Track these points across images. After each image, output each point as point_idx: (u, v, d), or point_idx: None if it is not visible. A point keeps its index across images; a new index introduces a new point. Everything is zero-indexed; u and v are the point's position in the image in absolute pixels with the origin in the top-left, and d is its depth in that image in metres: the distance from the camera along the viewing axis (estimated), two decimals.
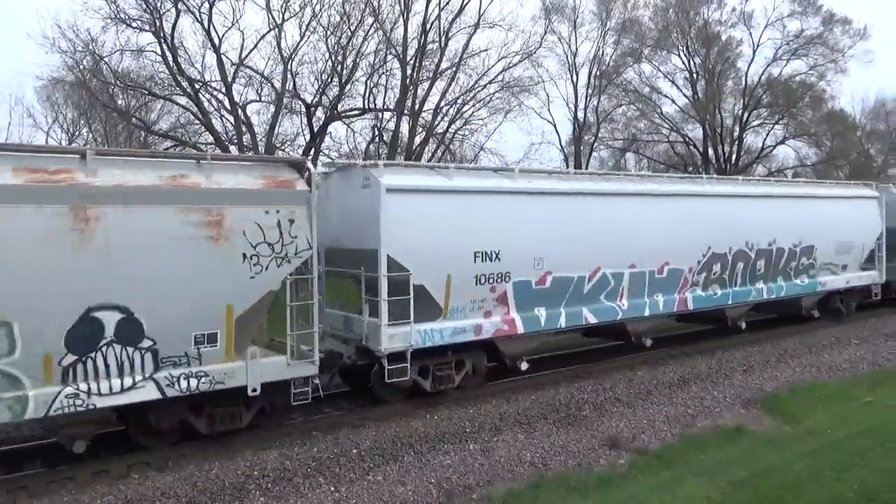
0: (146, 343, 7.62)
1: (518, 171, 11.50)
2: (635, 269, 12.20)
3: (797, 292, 15.79)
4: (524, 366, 11.28)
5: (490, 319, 10.54)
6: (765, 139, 40.39)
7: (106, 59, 21.99)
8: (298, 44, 24.10)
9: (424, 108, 27.03)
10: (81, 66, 22.04)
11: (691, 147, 40.55)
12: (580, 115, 36.81)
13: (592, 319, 11.75)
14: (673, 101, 39.47)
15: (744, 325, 14.86)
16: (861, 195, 17.78)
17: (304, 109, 25.01)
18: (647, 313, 12.58)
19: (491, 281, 10.38)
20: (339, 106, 25.42)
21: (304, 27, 23.92)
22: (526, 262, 10.72)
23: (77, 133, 32.58)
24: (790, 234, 15.19)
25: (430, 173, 10.71)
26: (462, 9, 26.58)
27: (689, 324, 15.82)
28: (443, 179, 10.40)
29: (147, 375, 7.65)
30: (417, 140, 26.94)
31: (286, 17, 23.52)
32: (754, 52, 37.74)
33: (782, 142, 40.35)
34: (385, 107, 26.50)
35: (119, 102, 24.89)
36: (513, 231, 10.56)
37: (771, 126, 39.46)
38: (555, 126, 37.54)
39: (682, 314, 13.77)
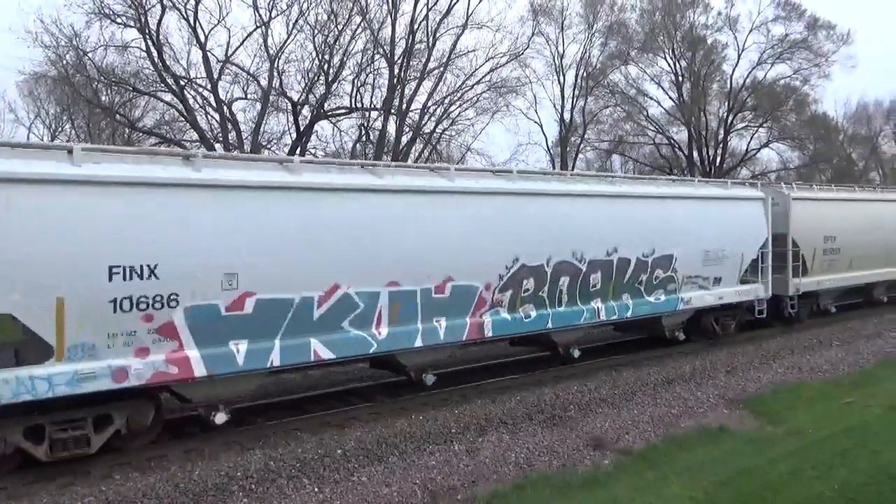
0: None
1: (202, 156, 8.52)
2: (399, 288, 9.46)
3: (651, 311, 12.85)
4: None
5: (145, 359, 7.62)
6: (749, 142, 40.92)
7: (90, 55, 21.82)
8: (285, 42, 24.06)
9: (412, 108, 27.07)
10: (65, 62, 21.84)
11: (676, 149, 40.89)
12: (567, 116, 37.03)
13: (327, 354, 8.95)
14: (659, 104, 39.85)
15: (577, 354, 12.26)
16: (741, 196, 15.12)
17: (290, 108, 24.93)
18: (419, 343, 9.74)
19: (143, 307, 7.48)
20: (326, 105, 25.38)
21: (291, 25, 23.88)
22: (208, 279, 7.87)
23: (60, 129, 32.26)
24: (639, 242, 12.33)
25: (43, 155, 7.54)
26: (450, 9, 26.69)
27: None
28: (65, 167, 7.34)
29: None
30: (404, 140, 26.93)
31: (273, 15, 23.47)
32: (739, 55, 38.20)
33: (766, 145, 40.86)
34: (372, 106, 26.49)
35: (103, 98, 24.69)
36: (182, 237, 7.72)
37: (755, 129, 39.95)
38: (541, 127, 37.77)
39: (479, 342, 11.24)
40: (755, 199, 15.25)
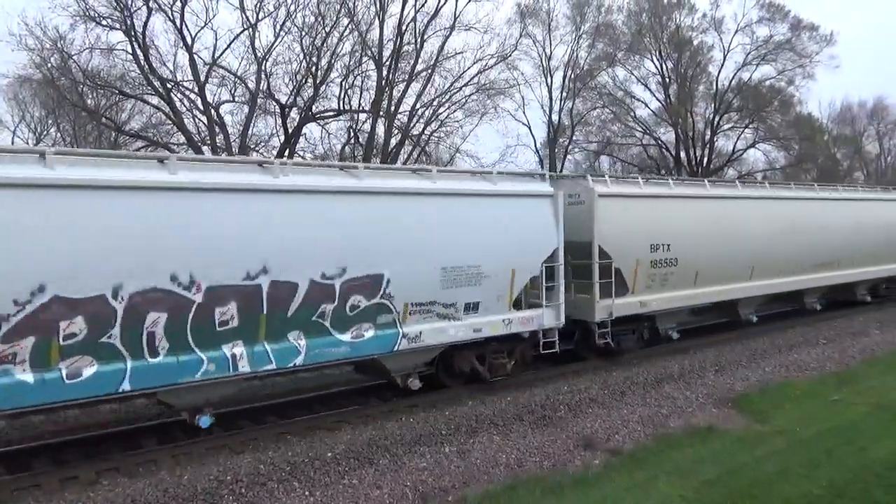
0: None
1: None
2: None
3: (350, 354, 9.26)
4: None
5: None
6: (735, 143, 41.25)
7: (75, 58, 21.65)
8: (273, 44, 24.00)
9: (400, 110, 27.05)
10: (49, 64, 21.64)
11: (664, 150, 41.14)
12: (555, 117, 37.18)
13: None
14: (646, 105, 40.09)
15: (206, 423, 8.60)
16: (513, 192, 10.97)
17: (278, 110, 24.87)
18: None
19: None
20: (314, 107, 25.33)
21: (278, 27, 23.82)
22: None
23: (45, 132, 31.97)
24: (314, 258, 8.71)
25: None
26: (438, 11, 26.72)
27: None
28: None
29: None
30: (393, 142, 26.91)
31: (260, 17, 23.41)
32: (725, 57, 38.51)
33: (752, 145, 41.21)
34: (360, 108, 26.45)
35: (89, 102, 24.50)
36: None
37: (741, 130, 40.29)
38: (530, 128, 37.91)
39: None
40: (537, 196, 11.21)
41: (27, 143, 31.10)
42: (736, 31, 37.92)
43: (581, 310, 12.25)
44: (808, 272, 16.72)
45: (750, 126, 39.89)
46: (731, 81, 38.57)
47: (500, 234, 10.56)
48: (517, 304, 11.15)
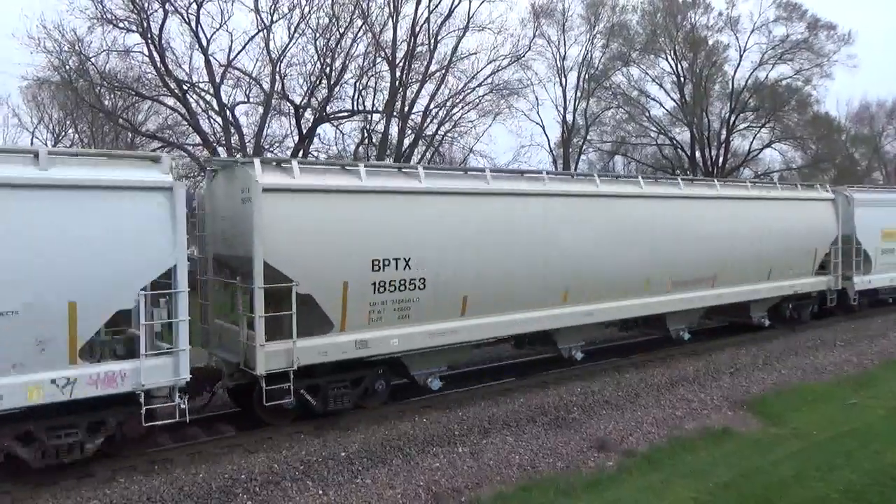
0: None
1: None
2: None
3: None
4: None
5: None
6: (751, 142, 40.83)
7: (92, 60, 21.82)
8: (287, 45, 24.06)
9: (414, 111, 27.06)
10: (67, 67, 21.85)
11: (679, 150, 40.85)
12: (569, 117, 37.02)
13: None
14: (661, 105, 39.80)
15: None
16: (82, 182, 7.45)
17: (292, 111, 24.95)
18: None
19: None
20: (328, 108, 25.39)
21: (292, 29, 23.88)
22: None
23: (63, 133, 32.35)
24: None
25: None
26: (451, 12, 26.67)
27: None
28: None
29: None
30: (407, 142, 26.95)
31: (275, 19, 23.46)
32: (741, 56, 38.14)
33: (768, 145, 40.77)
34: (374, 109, 26.49)
35: (106, 103, 24.71)
36: None
37: (757, 129, 39.88)
38: (543, 129, 37.78)
39: None
40: (128, 190, 7.65)
41: (46, 145, 31.50)
42: (752, 31, 37.58)
43: (242, 354, 8.87)
44: (667, 292, 13.03)
45: (766, 126, 39.49)
46: (747, 81, 38.23)
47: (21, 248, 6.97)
48: (95, 353, 7.96)
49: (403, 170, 10.56)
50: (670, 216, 13.14)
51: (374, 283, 9.30)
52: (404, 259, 9.54)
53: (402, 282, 9.56)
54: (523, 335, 11.57)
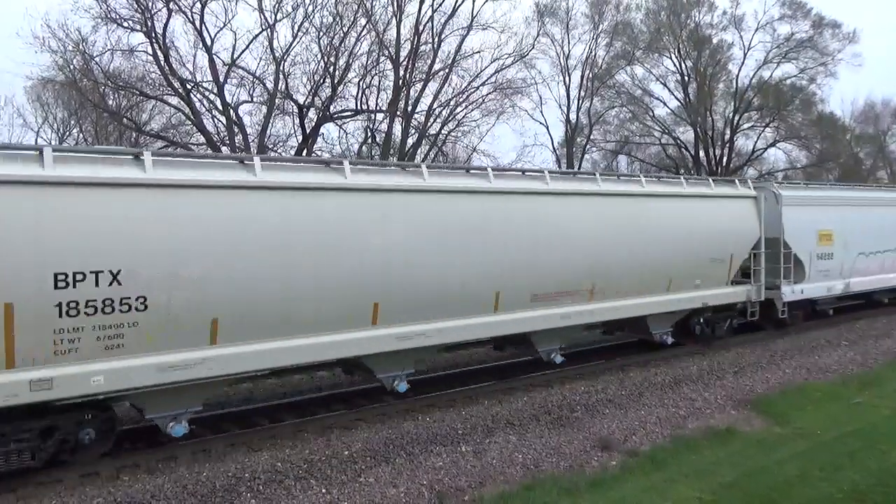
0: None
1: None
2: None
3: None
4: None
5: None
6: (756, 142, 40.77)
7: (96, 59, 21.92)
8: (291, 44, 24.13)
9: (417, 110, 27.09)
10: (72, 66, 21.94)
11: (683, 149, 40.80)
12: (572, 116, 37.03)
13: None
14: (665, 104, 39.78)
15: None
16: None
17: (296, 110, 25.01)
18: None
19: None
20: (332, 107, 25.44)
21: (296, 28, 23.95)
22: None
23: (67, 133, 32.43)
24: None
25: None
26: (455, 10, 26.70)
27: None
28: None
29: None
30: (410, 141, 26.96)
31: (278, 18, 23.53)
32: (745, 55, 38.09)
33: (773, 144, 40.71)
34: (378, 108, 26.52)
35: (110, 102, 24.81)
36: None
37: (762, 129, 39.83)
38: (547, 128, 37.84)
39: None
40: None
41: (50, 144, 31.59)
42: (756, 29, 37.54)
43: None
44: (527, 306, 10.85)
45: (770, 125, 39.43)
46: (751, 80, 38.19)
47: None
48: None
49: (119, 155, 7.92)
50: (530, 216, 10.76)
51: (61, 305, 6.96)
52: (110, 272, 7.17)
53: (108, 302, 7.21)
54: (320, 363, 9.67)
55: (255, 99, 24.93)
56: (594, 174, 12.54)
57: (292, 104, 25.05)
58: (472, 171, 10.98)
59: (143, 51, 22.30)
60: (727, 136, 39.55)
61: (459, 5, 26.70)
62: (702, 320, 14.29)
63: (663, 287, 12.86)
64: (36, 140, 32.53)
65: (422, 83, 26.91)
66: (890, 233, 18.21)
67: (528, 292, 10.80)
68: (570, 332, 11.98)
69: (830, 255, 16.28)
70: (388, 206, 9.35)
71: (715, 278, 13.85)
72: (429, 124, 27.50)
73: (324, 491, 7.72)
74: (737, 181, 15.12)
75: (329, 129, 27.55)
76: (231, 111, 23.41)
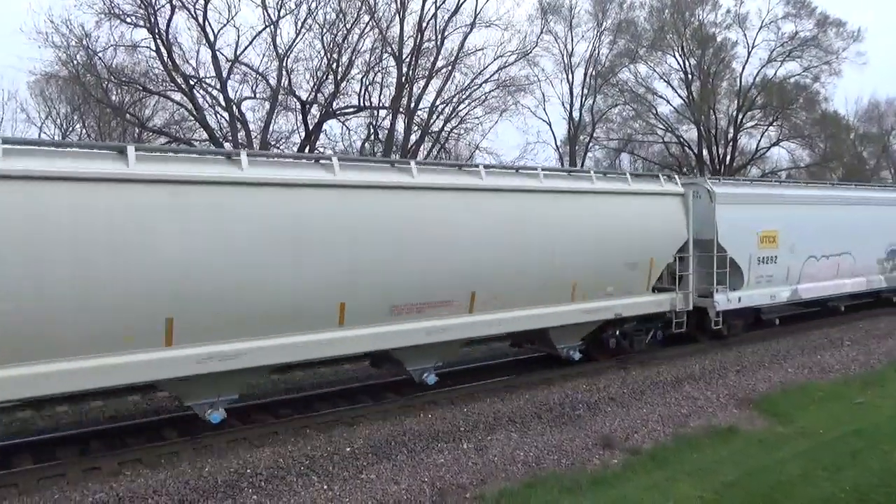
0: None
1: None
2: None
3: None
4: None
5: None
6: (759, 140, 40.73)
7: (100, 55, 21.94)
8: (294, 41, 24.14)
9: (420, 107, 27.07)
10: (75, 62, 21.96)
11: (686, 148, 40.73)
12: (575, 114, 36.99)
13: None
14: (668, 102, 39.71)
15: None
16: None
17: (299, 107, 25.02)
18: None
19: None
20: (335, 103, 25.45)
21: (299, 24, 23.96)
22: None
23: (70, 129, 32.45)
24: None
25: None
26: (458, 7, 26.69)
27: None
28: None
29: None
30: (413, 138, 26.95)
31: (282, 14, 23.54)
32: (749, 53, 38.01)
33: (776, 143, 40.65)
34: (380, 105, 26.52)
35: (113, 98, 24.81)
36: None
37: (765, 127, 39.76)
38: (550, 126, 37.80)
39: None
40: None
41: (53, 139, 31.59)
42: (760, 28, 37.46)
43: None
44: (386, 320, 9.29)
45: (774, 124, 39.35)
46: (755, 78, 38.10)
47: None
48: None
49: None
50: (389, 214, 9.21)
51: None
52: None
53: None
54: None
55: (257, 95, 24.96)
56: (477, 167, 10.63)
57: (295, 100, 25.07)
58: (313, 161, 9.37)
59: (147, 46, 22.34)
60: (730, 135, 39.48)
61: (463, 2, 26.73)
62: (618, 333, 12.73)
63: (566, 296, 11.28)
64: (39, 135, 32.54)
65: (425, 80, 26.93)
66: (846, 234, 16.57)
67: (386, 303, 9.20)
68: (447, 348, 10.36)
69: (774, 258, 14.66)
70: (185, 203, 7.62)
71: (632, 285, 12.22)
72: (431, 121, 27.49)
73: (325, 487, 7.73)
74: (661, 176, 13.36)
75: (332, 125, 27.62)
76: (234, 107, 23.42)
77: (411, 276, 9.39)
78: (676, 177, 13.88)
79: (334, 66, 24.70)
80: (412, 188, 9.53)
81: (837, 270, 16.44)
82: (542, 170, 11.27)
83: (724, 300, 13.74)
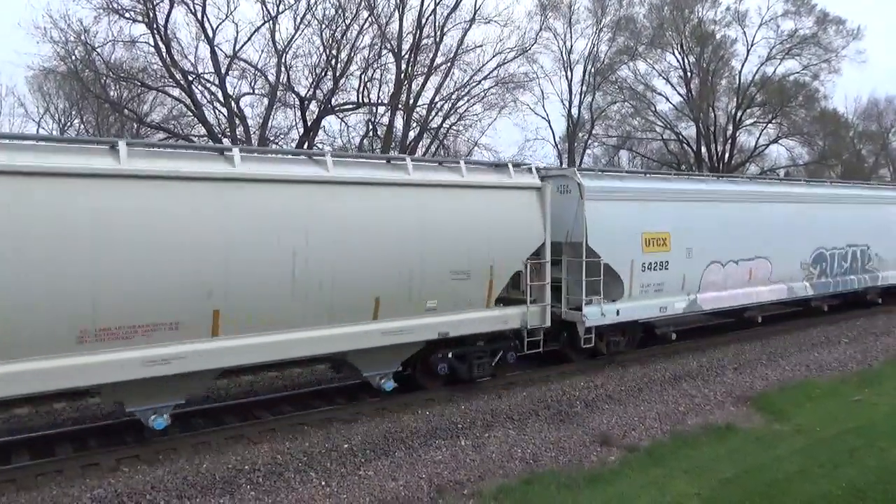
0: None
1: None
2: None
3: None
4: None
5: None
6: (758, 138, 40.73)
7: (98, 50, 21.88)
8: (293, 37, 24.10)
9: (419, 103, 27.04)
10: (73, 57, 21.90)
11: (685, 145, 40.74)
12: (574, 111, 36.94)
13: None
14: (667, 99, 39.71)
15: None
16: None
17: (297, 103, 24.98)
18: None
19: None
20: (333, 100, 25.41)
21: (298, 20, 23.91)
22: None
23: (69, 124, 32.40)
24: None
25: None
26: (458, 4, 26.63)
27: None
28: None
29: None
30: (412, 135, 26.91)
31: (280, 10, 23.47)
32: (748, 50, 38.00)
33: (775, 141, 40.67)
34: (379, 101, 26.48)
35: (111, 94, 24.76)
36: None
37: (764, 125, 39.77)
38: (549, 122, 37.76)
39: None
40: None
41: (51, 135, 31.54)
42: (760, 25, 37.46)
43: None
44: (77, 349, 7.10)
45: (773, 121, 39.36)
46: (754, 76, 38.11)
47: None
48: None
49: None
50: (85, 211, 7.05)
51: None
52: None
53: None
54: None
55: (256, 91, 24.92)
56: (231, 149, 8.47)
57: (294, 96, 25.03)
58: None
59: (145, 42, 22.28)
60: (729, 133, 39.49)
61: None
62: (451, 356, 10.50)
63: (367, 313, 9.10)
64: (37, 130, 32.48)
65: (423, 77, 26.88)
66: (761, 235, 14.42)
67: (71, 328, 7.00)
68: (180, 384, 8.04)
69: (665, 264, 12.49)
70: None
71: (464, 298, 10.06)
72: (430, 118, 27.46)
73: (323, 483, 7.73)
74: (510, 166, 10.94)
75: (330, 121, 27.62)
76: (232, 103, 23.37)
77: (114, 291, 7.16)
78: (534, 167, 11.40)
79: (333, 62, 24.67)
80: (119, 177, 7.31)
81: (750, 277, 14.33)
82: (334, 156, 9.18)
83: (597, 313, 11.64)
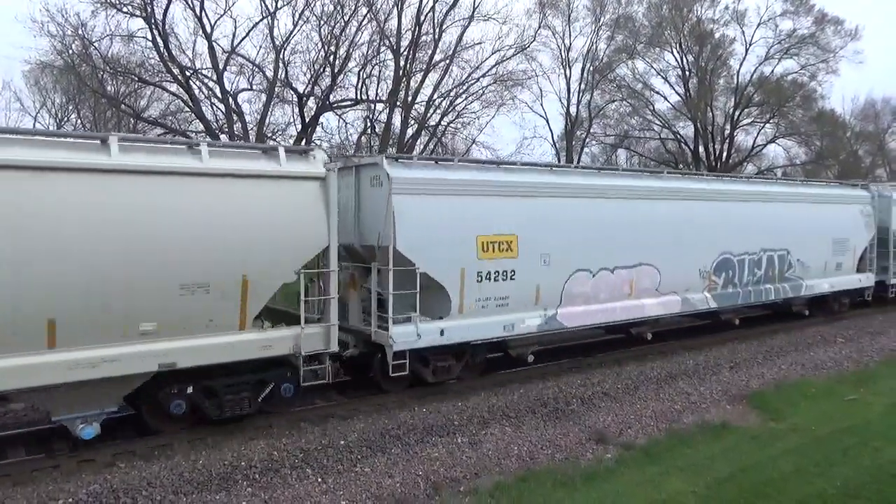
0: None
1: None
2: None
3: None
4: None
5: None
6: (755, 138, 40.75)
7: (95, 44, 21.78)
8: (291, 32, 24.02)
9: (417, 101, 27.00)
10: (71, 51, 21.81)
11: (682, 144, 40.77)
12: (572, 110, 36.93)
13: None
14: (665, 98, 39.71)
15: None
16: None
17: (295, 99, 24.91)
18: None
19: None
20: (332, 96, 25.34)
21: (297, 16, 23.83)
22: None
23: (66, 118, 32.31)
24: None
25: None
26: (456, 1, 26.55)
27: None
28: None
29: None
30: (410, 132, 26.88)
31: (279, 6, 23.39)
32: (747, 50, 37.99)
33: (772, 140, 40.69)
34: (377, 98, 26.42)
35: (108, 88, 24.68)
36: None
37: (762, 125, 39.78)
38: (547, 121, 37.82)
39: None
40: None
41: (48, 129, 31.43)
42: (759, 25, 37.43)
43: None
44: None
45: (770, 121, 39.38)
46: (752, 75, 38.11)
47: None
48: None
49: None
50: None
51: None
52: None
53: None
54: None
55: (254, 87, 24.85)
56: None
57: (292, 93, 24.96)
58: None
59: (143, 37, 22.18)
60: (727, 132, 39.51)
61: None
62: (190, 390, 8.44)
63: (38, 341, 7.11)
64: (34, 124, 32.39)
65: (422, 74, 26.83)
66: (646, 239, 12.30)
67: None
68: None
69: (511, 273, 10.48)
70: None
71: (202, 318, 8.05)
72: (428, 115, 27.41)
73: (319, 480, 7.74)
74: (281, 150, 8.76)
75: (328, 118, 27.52)
76: (230, 99, 23.31)
77: None
78: (320, 152, 9.21)
79: (331, 58, 24.59)
80: None
81: (631, 288, 12.23)
82: (39, 132, 7.57)
83: (411, 334, 9.66)
